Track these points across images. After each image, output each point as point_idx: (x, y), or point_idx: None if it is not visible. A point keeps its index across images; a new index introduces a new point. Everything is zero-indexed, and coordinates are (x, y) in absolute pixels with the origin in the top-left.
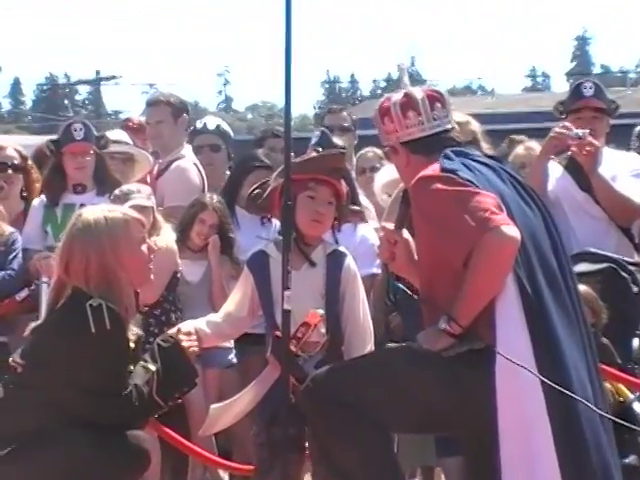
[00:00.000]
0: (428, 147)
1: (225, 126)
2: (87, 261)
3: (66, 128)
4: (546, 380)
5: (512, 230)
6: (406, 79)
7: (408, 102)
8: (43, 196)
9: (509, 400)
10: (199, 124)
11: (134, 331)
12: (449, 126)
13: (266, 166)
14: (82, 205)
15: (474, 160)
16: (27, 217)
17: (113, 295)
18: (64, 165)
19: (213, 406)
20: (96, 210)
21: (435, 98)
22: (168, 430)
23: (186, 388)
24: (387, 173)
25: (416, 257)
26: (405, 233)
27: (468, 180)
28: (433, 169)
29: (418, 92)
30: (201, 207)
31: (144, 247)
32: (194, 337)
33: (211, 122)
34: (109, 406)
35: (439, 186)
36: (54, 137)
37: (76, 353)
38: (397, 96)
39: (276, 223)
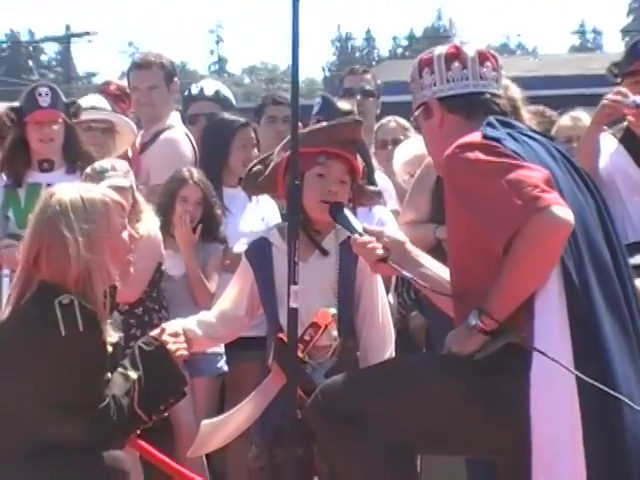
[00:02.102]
0: (469, 107)
1: (225, 91)
2: (60, 250)
3: (29, 93)
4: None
5: (565, 212)
6: (457, 38)
7: (455, 54)
8: (3, 175)
9: (543, 413)
10: (194, 89)
11: (112, 333)
12: (497, 91)
13: (245, 123)
14: (49, 185)
15: (522, 133)
16: None
17: (88, 291)
18: (27, 137)
19: (204, 422)
20: (71, 190)
21: (486, 57)
22: (151, 449)
23: (173, 398)
24: (409, 148)
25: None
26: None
27: (514, 152)
28: (473, 137)
29: (469, 48)
30: (180, 183)
31: (125, 234)
32: (182, 339)
33: (209, 87)
34: (83, 423)
35: (479, 155)
36: (15, 104)
37: (43, 360)
38: (443, 47)
39: (275, 206)
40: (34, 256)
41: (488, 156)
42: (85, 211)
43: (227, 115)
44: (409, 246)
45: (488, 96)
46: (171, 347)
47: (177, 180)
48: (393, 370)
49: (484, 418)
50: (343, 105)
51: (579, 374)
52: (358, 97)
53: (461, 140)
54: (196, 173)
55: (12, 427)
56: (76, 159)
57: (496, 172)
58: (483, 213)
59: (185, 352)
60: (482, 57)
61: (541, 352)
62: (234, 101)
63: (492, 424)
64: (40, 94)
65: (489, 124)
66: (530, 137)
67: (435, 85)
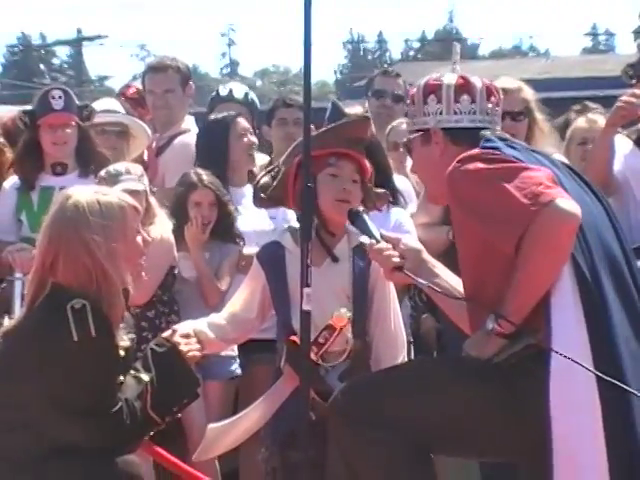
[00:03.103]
0: (474, 141)
1: (253, 95)
2: (77, 254)
3: (42, 96)
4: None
5: (570, 204)
6: (458, 67)
7: (464, 85)
8: (15, 178)
9: (563, 414)
10: (223, 90)
11: (124, 337)
12: (498, 127)
13: (236, 115)
14: (62, 189)
15: (520, 146)
16: None
17: (103, 295)
18: (40, 140)
19: (211, 426)
20: (88, 193)
21: (491, 91)
22: (163, 452)
23: (186, 400)
24: None
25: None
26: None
27: (513, 157)
28: (471, 151)
29: (477, 80)
30: (189, 187)
31: (139, 239)
32: (194, 340)
33: (238, 90)
34: (96, 427)
35: (479, 165)
36: (28, 107)
37: (55, 365)
38: (451, 77)
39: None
40: (50, 259)
41: (488, 164)
42: (102, 214)
43: (215, 115)
44: (425, 255)
45: (489, 131)
46: (183, 348)
47: (186, 184)
48: (413, 372)
49: (504, 419)
50: (351, 109)
51: (598, 373)
52: (388, 100)
53: (460, 155)
54: (205, 175)
55: (27, 429)
56: (89, 162)
57: (498, 177)
58: (491, 219)
59: (197, 353)
60: (488, 91)
61: (558, 352)
62: (259, 105)
63: (512, 425)
64: (53, 97)
65: (487, 140)
66: (530, 150)
67: (441, 114)
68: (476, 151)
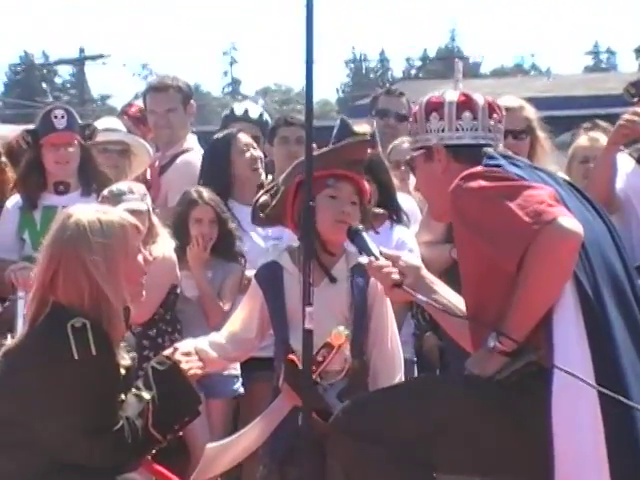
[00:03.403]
0: (476, 158)
1: (267, 116)
2: (78, 272)
3: (45, 115)
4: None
5: (572, 222)
6: (460, 84)
7: (466, 102)
8: (18, 197)
9: (565, 432)
10: (239, 110)
11: (125, 356)
12: (500, 144)
13: (237, 130)
14: (65, 208)
15: (523, 163)
16: (0, 221)
17: (103, 313)
18: (43, 159)
19: (209, 445)
20: (89, 211)
21: (493, 109)
22: (164, 471)
23: (188, 417)
24: None
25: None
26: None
27: (517, 175)
28: (474, 169)
29: (479, 97)
30: (190, 204)
31: (140, 258)
32: (195, 357)
33: (254, 109)
34: (98, 446)
35: (482, 183)
36: (31, 127)
37: (57, 383)
38: (453, 94)
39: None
40: (50, 277)
41: (491, 182)
42: (103, 233)
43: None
44: (424, 272)
45: (492, 148)
46: (184, 366)
47: (187, 202)
48: (415, 390)
49: (505, 438)
50: (360, 128)
51: (602, 389)
52: (391, 120)
53: (463, 173)
54: (205, 192)
55: (28, 448)
56: (92, 181)
57: (501, 195)
58: (493, 237)
59: (199, 371)
60: (490, 108)
61: (561, 369)
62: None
63: (514, 443)
64: (56, 116)
65: (489, 157)
66: (532, 167)
67: (443, 131)
68: (479, 169)
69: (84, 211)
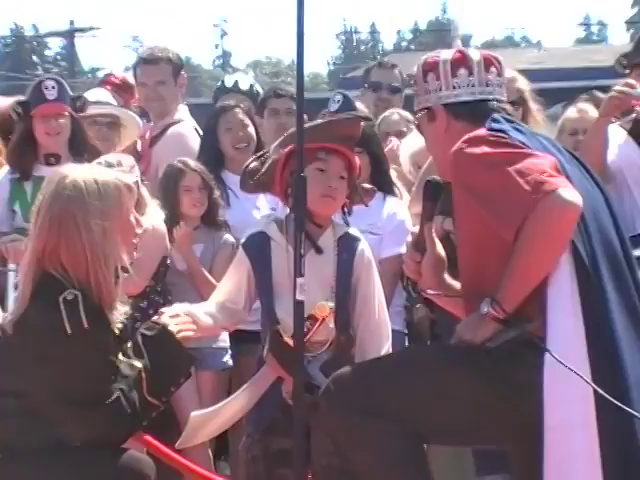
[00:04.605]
0: (474, 114)
1: (259, 87)
2: (75, 236)
3: (36, 87)
4: (599, 390)
5: (573, 194)
6: (459, 41)
7: (461, 59)
8: (8, 168)
9: (556, 402)
10: (229, 81)
11: (120, 315)
12: (502, 97)
13: (230, 106)
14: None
15: (526, 129)
16: None
17: (97, 278)
18: (34, 131)
19: (194, 414)
20: (85, 172)
21: (491, 61)
22: (157, 443)
23: (183, 378)
24: (416, 140)
25: (447, 277)
26: (438, 247)
27: (520, 142)
28: (478, 132)
29: (474, 52)
30: (177, 174)
31: (132, 218)
32: (186, 319)
33: (244, 81)
34: (96, 418)
35: (485, 149)
36: (22, 98)
37: (52, 359)
38: (448, 52)
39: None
40: (52, 242)
41: (494, 147)
42: (100, 195)
43: (221, 102)
44: None
45: (494, 103)
46: (173, 328)
47: (174, 172)
48: (406, 360)
49: (496, 406)
50: (360, 107)
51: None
52: (384, 92)
53: (466, 135)
54: (190, 161)
55: (28, 417)
56: (82, 153)
57: (503, 162)
58: (493, 204)
59: (190, 333)
60: (487, 62)
61: (557, 358)
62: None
63: (504, 412)
64: (47, 87)
65: (494, 120)
66: (534, 133)
67: (441, 90)
68: (482, 132)
69: (80, 172)
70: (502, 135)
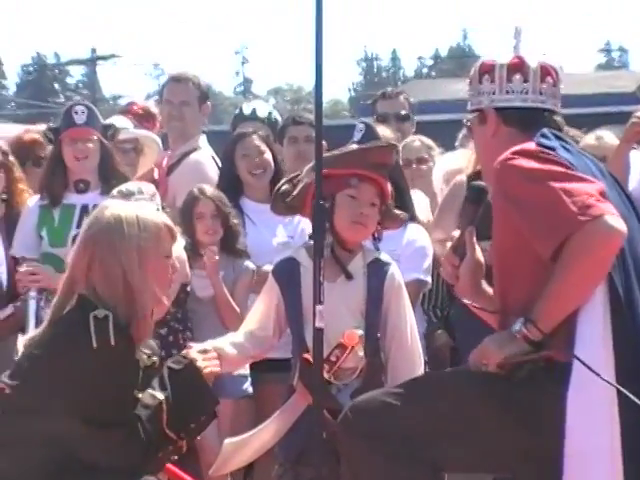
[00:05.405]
0: (525, 121)
1: (277, 115)
2: (111, 264)
3: (66, 112)
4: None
5: (619, 222)
6: (520, 46)
7: (518, 65)
8: (37, 197)
9: (579, 431)
10: (247, 109)
11: (144, 357)
12: (555, 108)
13: (247, 133)
14: (84, 207)
15: (573, 148)
16: (20, 219)
17: (128, 308)
18: (64, 156)
19: (227, 441)
20: (126, 206)
21: (548, 71)
22: (178, 471)
23: (204, 417)
24: (452, 158)
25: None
26: (477, 252)
27: (568, 161)
28: (527, 145)
29: (532, 60)
30: (192, 201)
31: (169, 262)
32: (212, 355)
33: (262, 108)
34: (113, 440)
35: (534, 163)
36: (44, 125)
37: (74, 372)
38: (506, 57)
39: (300, 220)
40: (85, 265)
41: (542, 164)
42: (138, 228)
43: (239, 129)
44: None
45: (546, 113)
46: (200, 364)
47: (190, 199)
48: (423, 387)
49: (517, 435)
50: (384, 132)
51: (621, 388)
52: (392, 123)
53: (515, 147)
54: (207, 188)
55: (45, 442)
56: (111, 180)
57: (550, 179)
58: (534, 219)
59: (216, 368)
60: (544, 71)
61: (581, 361)
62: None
63: (526, 440)
64: (76, 112)
65: (543, 135)
66: (581, 153)
67: (494, 94)
68: (532, 147)
69: (122, 205)
70: (551, 154)
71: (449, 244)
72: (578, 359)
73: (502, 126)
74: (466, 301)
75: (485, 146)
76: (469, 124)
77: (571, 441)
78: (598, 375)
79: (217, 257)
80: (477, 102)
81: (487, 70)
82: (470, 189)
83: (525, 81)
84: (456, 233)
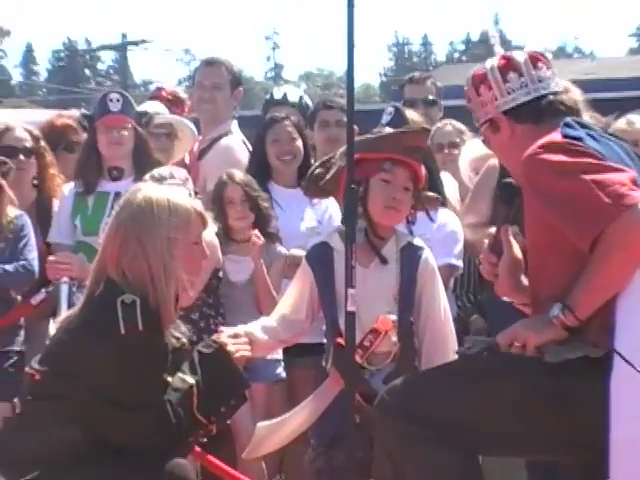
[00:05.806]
0: (536, 113)
1: (308, 100)
2: (140, 247)
3: (101, 99)
4: None
5: None
6: (497, 47)
7: (508, 64)
8: (72, 183)
9: (624, 417)
10: (277, 93)
11: (173, 339)
12: (557, 88)
13: (279, 118)
14: (117, 194)
15: (598, 134)
16: (57, 207)
17: (155, 292)
18: (98, 144)
19: (260, 424)
20: (159, 189)
21: (537, 58)
22: (210, 457)
23: (234, 401)
24: (477, 145)
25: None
26: (514, 250)
27: (597, 151)
28: (553, 137)
29: (518, 54)
30: (222, 186)
31: (199, 248)
32: (243, 339)
33: (293, 93)
34: (142, 424)
35: (562, 155)
36: (84, 111)
37: (103, 357)
38: (493, 60)
39: (328, 205)
40: (115, 251)
41: (571, 155)
42: (169, 212)
43: (271, 114)
44: None
45: (551, 97)
46: (231, 348)
47: (220, 185)
48: (460, 371)
49: (556, 420)
50: (412, 115)
51: None
52: (420, 108)
53: (542, 140)
54: (236, 173)
55: (75, 425)
56: (145, 168)
57: (581, 171)
58: (568, 212)
59: (247, 353)
60: (533, 59)
61: (621, 356)
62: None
63: (565, 426)
64: (111, 100)
65: (567, 124)
66: (607, 138)
67: (497, 100)
68: (559, 139)
69: (154, 188)
70: (579, 144)
71: (482, 231)
72: (618, 353)
73: (517, 126)
74: (506, 299)
75: (507, 150)
76: (483, 139)
77: (617, 428)
78: (637, 370)
79: (262, 240)
80: (483, 114)
81: (481, 80)
82: (503, 187)
83: (521, 76)
84: (492, 230)
